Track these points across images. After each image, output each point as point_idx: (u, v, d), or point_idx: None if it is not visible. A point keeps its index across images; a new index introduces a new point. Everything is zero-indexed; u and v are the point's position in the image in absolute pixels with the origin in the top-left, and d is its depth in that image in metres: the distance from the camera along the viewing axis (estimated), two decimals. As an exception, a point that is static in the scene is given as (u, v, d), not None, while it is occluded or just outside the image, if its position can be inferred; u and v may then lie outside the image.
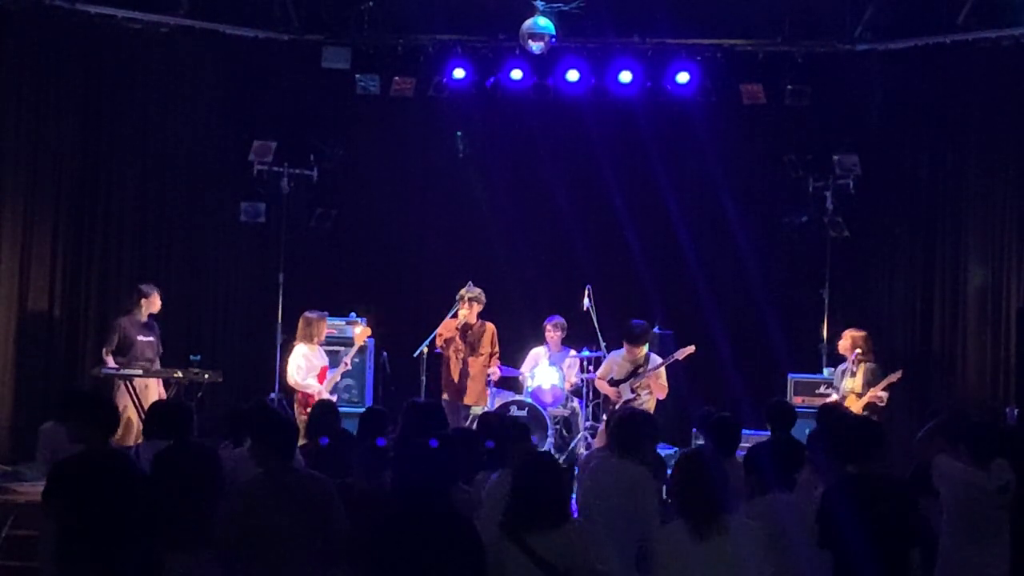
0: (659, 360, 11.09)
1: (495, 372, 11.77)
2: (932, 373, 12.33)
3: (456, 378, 11.60)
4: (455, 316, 11.60)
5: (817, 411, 9.08)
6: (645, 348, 11.02)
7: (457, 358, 11.61)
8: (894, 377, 10.74)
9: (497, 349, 11.80)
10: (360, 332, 11.85)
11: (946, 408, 8.41)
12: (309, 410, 10.57)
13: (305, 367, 11.21)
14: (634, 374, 11.00)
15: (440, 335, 11.62)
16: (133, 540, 5.96)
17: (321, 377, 11.18)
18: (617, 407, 10.85)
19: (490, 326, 11.77)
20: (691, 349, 11.18)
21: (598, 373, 11.37)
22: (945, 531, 6.72)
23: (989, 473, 6.57)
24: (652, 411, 10.89)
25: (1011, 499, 6.56)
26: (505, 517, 5.27)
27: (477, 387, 11.63)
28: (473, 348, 11.63)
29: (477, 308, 11.58)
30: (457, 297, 11.56)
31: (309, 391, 11.06)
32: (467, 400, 11.57)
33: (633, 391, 10.94)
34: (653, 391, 10.99)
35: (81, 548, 5.97)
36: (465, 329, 11.61)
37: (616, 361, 11.15)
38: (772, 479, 6.05)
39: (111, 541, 5.96)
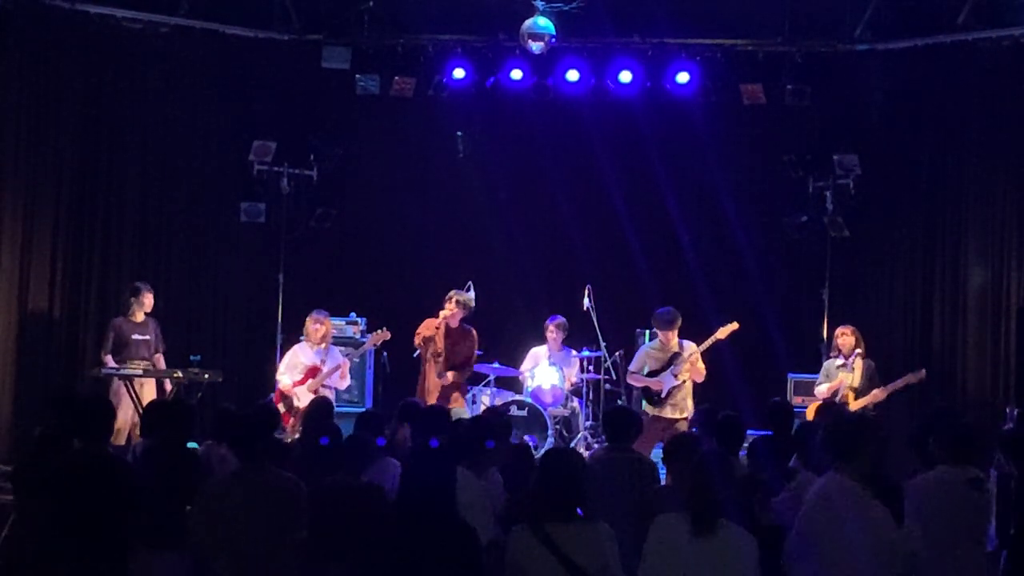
0: (692, 345, 11.00)
1: (447, 377, 11.12)
2: (932, 373, 12.29)
3: (431, 386, 11.08)
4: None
5: (816, 410, 9.09)
6: (676, 335, 10.98)
7: (435, 363, 11.12)
8: (914, 378, 10.68)
9: (473, 360, 11.30)
10: (377, 335, 11.53)
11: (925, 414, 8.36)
12: (281, 405, 10.77)
13: (287, 363, 11.24)
14: (672, 362, 10.95)
15: (419, 334, 11.19)
16: (124, 540, 5.98)
17: (306, 377, 11.10)
18: (663, 395, 10.87)
19: (474, 334, 11.29)
20: (734, 326, 11.02)
21: (631, 367, 11.27)
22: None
23: (959, 469, 6.52)
24: (689, 397, 10.89)
25: (987, 499, 6.47)
26: (529, 508, 5.26)
27: (450, 393, 11.09)
28: (452, 355, 11.16)
29: (460, 312, 11.13)
30: (448, 297, 11.22)
31: (280, 386, 11.08)
32: (429, 400, 10.80)
33: (676, 378, 10.90)
34: (693, 376, 10.92)
35: (73, 548, 5.97)
36: (447, 333, 11.19)
37: (649, 353, 11.09)
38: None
39: (103, 542, 5.96)
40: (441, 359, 11.17)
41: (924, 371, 10.82)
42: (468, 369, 11.37)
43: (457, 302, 11.15)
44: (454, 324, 11.23)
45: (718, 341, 11.03)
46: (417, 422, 7.81)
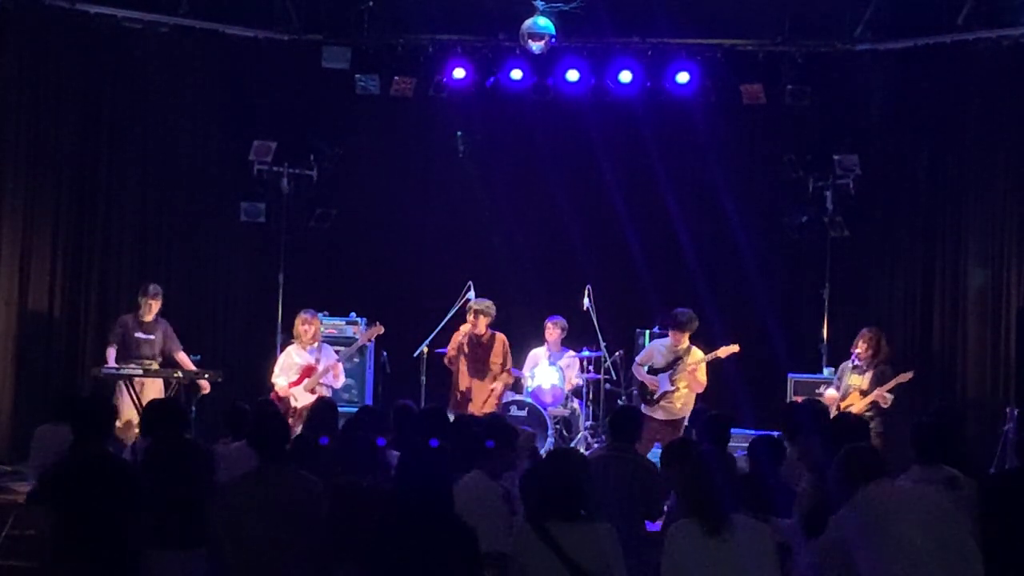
0: (699, 353, 10.97)
1: (504, 381, 11.33)
2: (932, 373, 12.32)
3: (461, 393, 11.23)
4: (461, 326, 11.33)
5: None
6: (688, 337, 10.95)
7: (465, 372, 11.25)
8: (904, 377, 10.64)
9: (509, 363, 11.41)
10: (371, 331, 11.60)
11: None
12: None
13: (282, 364, 11.25)
14: (673, 365, 10.93)
15: (451, 349, 11.30)
16: (127, 541, 5.97)
17: (302, 376, 11.10)
18: (656, 396, 10.86)
19: (500, 338, 11.36)
20: (735, 348, 10.95)
21: (638, 359, 11.26)
22: None
23: (933, 469, 6.50)
24: (690, 406, 10.83)
25: (965, 498, 6.44)
26: (530, 509, 5.25)
27: (483, 398, 11.22)
28: (482, 362, 11.26)
29: (485, 320, 11.17)
30: (467, 308, 11.28)
31: (276, 388, 11.10)
32: (472, 410, 11.06)
33: (672, 383, 10.89)
34: (691, 386, 10.89)
35: (75, 550, 5.96)
36: (474, 343, 11.28)
37: (658, 350, 11.07)
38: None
39: (105, 543, 5.96)
40: (468, 370, 11.24)
41: (911, 373, 10.74)
42: (505, 375, 11.37)
43: (475, 312, 11.17)
44: (480, 332, 11.22)
45: (716, 359, 11.00)
46: (414, 423, 7.81)
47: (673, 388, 10.85)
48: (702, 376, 10.89)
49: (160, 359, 11.47)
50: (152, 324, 11.43)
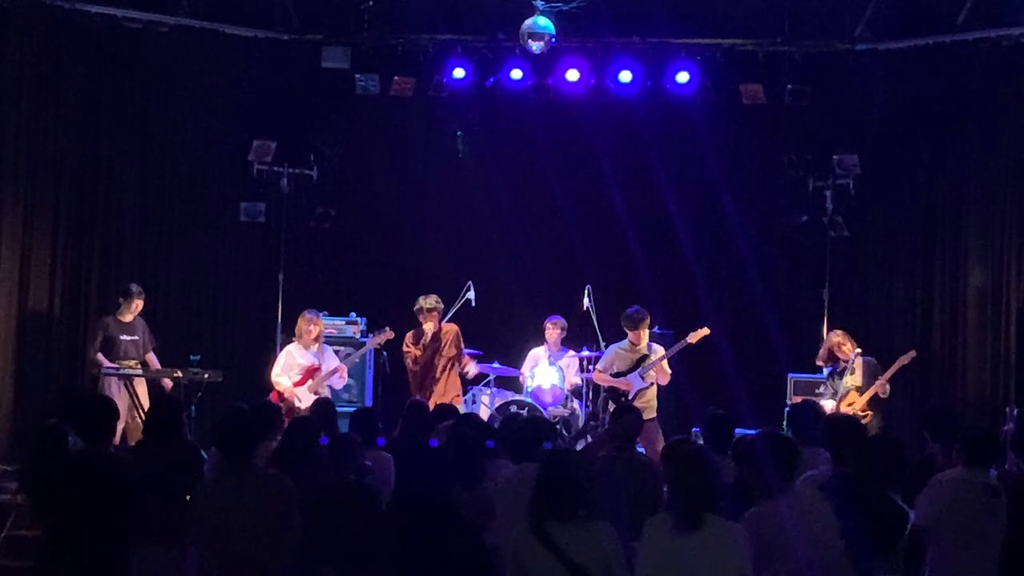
0: (660, 348, 11.03)
1: (469, 370, 11.58)
2: (932, 373, 12.32)
3: (421, 383, 11.29)
4: (420, 332, 11.37)
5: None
6: (647, 335, 11.00)
7: (422, 365, 11.34)
8: (906, 359, 10.64)
9: (460, 350, 11.47)
10: (381, 335, 11.55)
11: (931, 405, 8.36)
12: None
13: (283, 364, 11.23)
14: (639, 364, 10.95)
15: (409, 354, 11.38)
16: (123, 539, 5.99)
17: (304, 377, 11.09)
18: (630, 397, 10.88)
19: (452, 328, 11.47)
20: (705, 331, 11.00)
21: (598, 366, 11.28)
22: (933, 541, 6.53)
23: (978, 474, 6.53)
24: (654, 398, 10.92)
25: (1003, 506, 6.46)
26: (528, 509, 5.26)
27: (442, 388, 11.29)
28: (437, 353, 11.34)
29: (436, 316, 11.32)
30: (416, 310, 11.33)
31: (278, 388, 11.09)
32: (434, 401, 11.02)
33: (644, 380, 10.91)
34: (661, 379, 10.95)
35: (72, 547, 5.97)
36: (435, 339, 11.34)
37: (618, 353, 11.09)
38: None
39: (102, 540, 5.97)
40: (425, 361, 11.30)
41: (914, 352, 10.77)
42: (462, 358, 11.53)
43: (427, 311, 11.25)
44: (437, 329, 11.35)
45: (688, 346, 11.02)
46: (424, 422, 7.82)
47: (647, 385, 10.90)
48: (666, 365, 11.01)
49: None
50: (133, 325, 11.44)
